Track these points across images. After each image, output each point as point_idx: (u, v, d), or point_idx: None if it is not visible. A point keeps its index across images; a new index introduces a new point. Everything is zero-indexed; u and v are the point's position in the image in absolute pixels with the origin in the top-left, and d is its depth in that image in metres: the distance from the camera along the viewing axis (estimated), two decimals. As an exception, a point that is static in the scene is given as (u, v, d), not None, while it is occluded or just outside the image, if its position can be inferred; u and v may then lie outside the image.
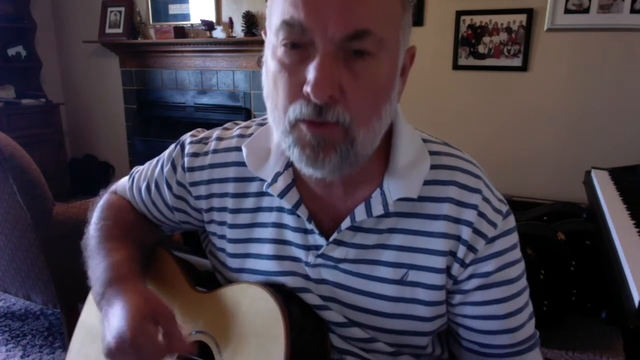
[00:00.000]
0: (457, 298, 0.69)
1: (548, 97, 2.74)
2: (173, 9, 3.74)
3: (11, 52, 3.89)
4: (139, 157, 4.08)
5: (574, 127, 2.71)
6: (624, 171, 1.77)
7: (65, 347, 2.06)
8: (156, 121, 4.09)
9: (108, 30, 3.91)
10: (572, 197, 2.56)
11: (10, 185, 1.75)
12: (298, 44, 0.57)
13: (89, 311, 0.86)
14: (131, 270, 0.75)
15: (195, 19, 3.63)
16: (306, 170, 0.62)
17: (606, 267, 1.24)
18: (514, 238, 0.70)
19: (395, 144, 0.68)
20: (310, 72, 0.56)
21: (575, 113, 2.69)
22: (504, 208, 0.69)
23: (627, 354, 1.15)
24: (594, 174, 1.74)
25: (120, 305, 0.68)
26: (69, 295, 1.88)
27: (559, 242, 2.08)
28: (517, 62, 2.75)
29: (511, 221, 0.70)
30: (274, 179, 0.70)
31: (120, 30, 3.86)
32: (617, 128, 2.61)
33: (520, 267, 0.70)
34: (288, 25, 0.57)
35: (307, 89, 0.56)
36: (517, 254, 0.70)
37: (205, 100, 3.78)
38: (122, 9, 3.86)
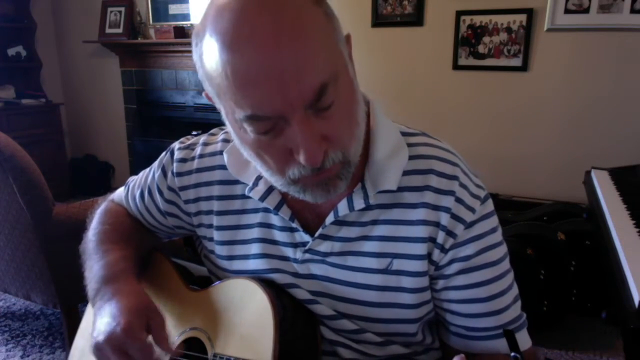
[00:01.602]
0: (440, 283, 0.71)
1: (548, 97, 2.74)
2: (173, 9, 3.74)
3: (11, 52, 3.89)
4: (139, 157, 4.08)
5: (574, 127, 2.71)
6: (624, 171, 1.77)
7: (65, 347, 2.06)
8: (156, 121, 4.09)
9: (108, 30, 3.91)
10: (572, 197, 2.55)
11: (10, 185, 1.75)
12: (270, 127, 0.57)
13: (90, 317, 0.87)
14: (126, 269, 0.77)
15: (195, 19, 3.62)
16: (320, 201, 0.64)
17: (606, 267, 1.24)
18: (493, 222, 0.71)
19: (373, 139, 0.70)
20: (299, 146, 0.56)
21: (575, 113, 2.69)
22: (482, 193, 0.71)
23: (627, 354, 1.15)
24: (594, 174, 1.74)
25: (114, 302, 0.69)
26: (69, 295, 1.88)
27: (559, 242, 2.08)
28: (517, 62, 2.75)
29: (489, 205, 0.72)
30: (255, 183, 0.72)
31: (120, 30, 3.86)
32: (617, 128, 2.61)
33: (501, 250, 0.71)
34: (254, 119, 0.56)
35: (301, 160, 0.57)
36: (497, 237, 0.71)
37: (205, 100, 3.75)
38: (122, 9, 3.86)
